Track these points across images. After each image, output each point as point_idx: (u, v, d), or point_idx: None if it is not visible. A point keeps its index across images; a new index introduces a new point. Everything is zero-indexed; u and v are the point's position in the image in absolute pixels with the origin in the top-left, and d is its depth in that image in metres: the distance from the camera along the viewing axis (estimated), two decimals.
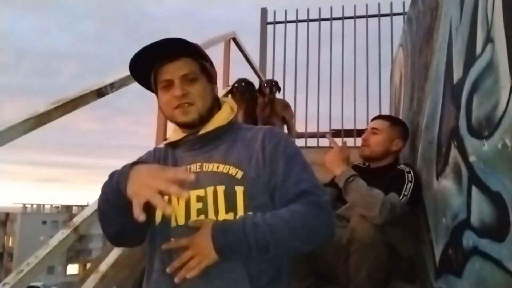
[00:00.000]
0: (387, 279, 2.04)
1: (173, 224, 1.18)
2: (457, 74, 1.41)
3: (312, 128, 4.94)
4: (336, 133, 4.89)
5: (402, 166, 2.06)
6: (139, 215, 0.96)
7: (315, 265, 2.09)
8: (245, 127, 1.33)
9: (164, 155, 1.32)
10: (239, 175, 1.17)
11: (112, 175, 1.13)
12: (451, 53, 1.50)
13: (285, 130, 4.37)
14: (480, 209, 1.14)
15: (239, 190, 1.15)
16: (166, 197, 1.18)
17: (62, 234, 1.76)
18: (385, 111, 4.45)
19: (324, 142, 4.76)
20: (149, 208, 1.23)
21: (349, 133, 4.82)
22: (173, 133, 1.35)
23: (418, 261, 2.08)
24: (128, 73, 2.25)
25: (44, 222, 45.14)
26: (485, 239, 1.10)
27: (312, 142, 4.88)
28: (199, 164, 1.22)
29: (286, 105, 4.32)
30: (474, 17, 1.24)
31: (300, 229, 1.07)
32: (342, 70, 4.94)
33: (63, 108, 1.79)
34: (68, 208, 50.48)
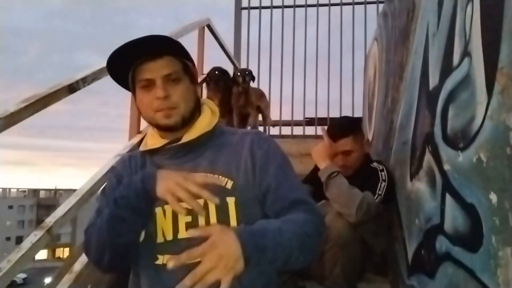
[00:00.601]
0: (360, 272, 2.11)
1: (160, 239, 1.13)
2: (433, 81, 1.43)
3: (286, 116, 4.96)
4: (310, 122, 4.94)
5: (375, 164, 2.09)
6: (181, 210, 0.97)
7: None
8: (228, 131, 1.28)
9: (141, 163, 1.24)
10: (229, 185, 1.13)
11: (126, 185, 1.07)
12: (427, 59, 1.53)
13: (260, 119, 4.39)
14: (454, 217, 1.18)
15: (231, 201, 1.12)
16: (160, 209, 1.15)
17: (35, 236, 1.71)
18: (358, 98, 4.50)
19: (298, 130, 4.80)
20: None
21: (323, 121, 4.86)
22: (151, 138, 1.25)
23: (390, 256, 2.15)
24: (100, 66, 2.24)
25: (11, 207, 44.01)
26: (458, 247, 1.14)
27: (286, 130, 4.90)
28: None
29: (261, 94, 4.31)
30: (451, 28, 1.26)
31: (308, 237, 1.03)
32: (316, 58, 4.96)
33: (34, 107, 1.73)
34: (35, 192, 49.32)
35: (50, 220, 1.83)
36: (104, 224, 1.06)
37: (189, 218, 1.11)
